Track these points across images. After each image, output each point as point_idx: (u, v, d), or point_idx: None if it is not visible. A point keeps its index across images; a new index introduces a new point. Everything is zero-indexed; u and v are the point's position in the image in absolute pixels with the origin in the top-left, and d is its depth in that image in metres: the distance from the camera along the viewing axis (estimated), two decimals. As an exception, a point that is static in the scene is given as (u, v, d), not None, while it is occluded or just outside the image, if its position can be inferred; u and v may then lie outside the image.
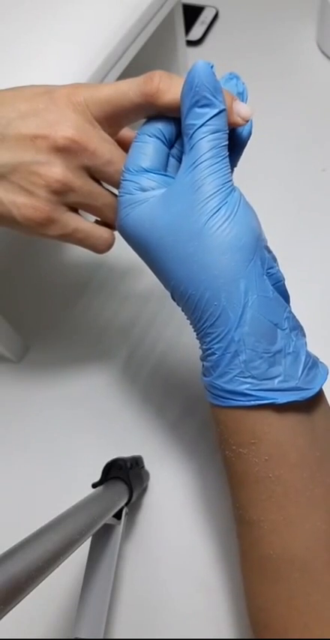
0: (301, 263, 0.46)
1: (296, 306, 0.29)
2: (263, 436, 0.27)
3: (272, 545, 0.27)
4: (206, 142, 0.25)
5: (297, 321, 0.28)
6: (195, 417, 0.41)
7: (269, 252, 0.27)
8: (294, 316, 0.27)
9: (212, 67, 0.25)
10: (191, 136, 0.25)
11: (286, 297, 0.28)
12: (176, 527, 0.37)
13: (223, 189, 0.25)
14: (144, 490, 0.39)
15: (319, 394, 0.28)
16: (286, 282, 0.27)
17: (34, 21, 0.41)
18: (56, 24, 0.41)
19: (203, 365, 0.28)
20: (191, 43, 0.65)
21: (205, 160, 0.25)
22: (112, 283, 0.49)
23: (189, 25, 0.66)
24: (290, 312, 0.27)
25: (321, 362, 0.28)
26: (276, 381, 0.26)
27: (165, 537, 0.37)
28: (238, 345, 0.26)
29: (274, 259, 0.28)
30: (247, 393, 0.26)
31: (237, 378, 0.26)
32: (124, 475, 0.33)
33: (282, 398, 0.26)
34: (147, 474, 0.39)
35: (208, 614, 0.35)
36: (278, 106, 0.57)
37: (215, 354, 0.26)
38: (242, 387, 0.26)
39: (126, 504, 0.33)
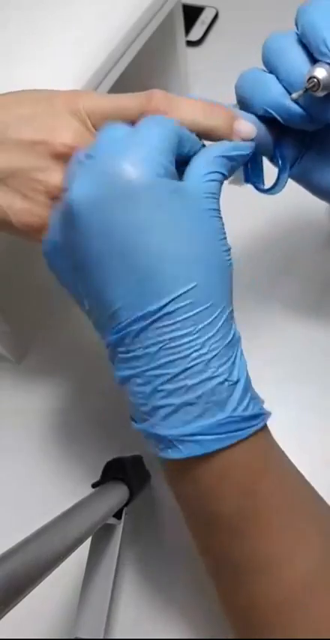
0: (301, 263, 0.46)
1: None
2: (269, 453, 0.26)
3: (291, 575, 0.25)
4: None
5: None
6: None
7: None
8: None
9: None
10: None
11: None
12: (176, 526, 0.37)
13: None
14: (144, 490, 0.39)
15: None
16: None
17: (33, 22, 0.41)
18: (56, 24, 0.41)
19: (206, 404, 0.24)
20: (191, 44, 0.65)
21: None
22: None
23: (189, 26, 0.66)
24: None
25: None
26: (258, 396, 0.27)
27: (165, 537, 0.37)
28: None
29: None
30: (260, 413, 0.25)
31: (250, 400, 0.25)
32: (124, 475, 0.33)
33: (268, 413, 0.26)
34: (148, 473, 0.39)
35: (208, 614, 0.35)
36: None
37: (239, 379, 0.25)
38: (256, 409, 0.25)
39: (126, 504, 0.33)
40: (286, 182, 0.32)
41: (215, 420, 0.24)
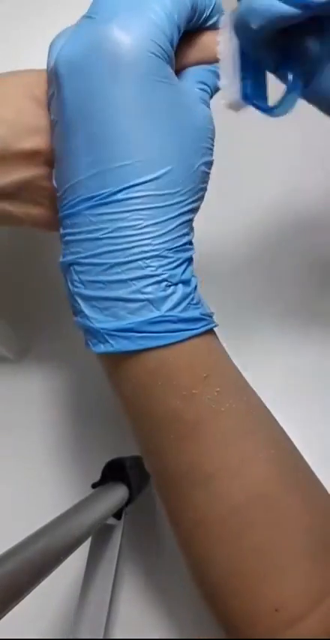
0: (300, 263, 0.46)
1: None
2: (213, 365, 0.25)
3: (232, 493, 0.24)
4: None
5: None
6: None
7: None
8: None
9: None
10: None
11: None
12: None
13: None
14: (144, 490, 0.39)
15: None
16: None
17: (33, 23, 0.41)
18: (56, 24, 0.41)
19: (138, 301, 0.24)
20: None
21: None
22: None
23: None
24: None
25: None
26: (206, 305, 0.25)
27: (165, 537, 0.37)
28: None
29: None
30: (201, 318, 0.24)
31: (190, 304, 0.24)
32: (124, 475, 0.33)
33: (212, 321, 0.25)
34: (147, 474, 0.39)
35: (208, 613, 0.35)
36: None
37: (170, 281, 0.24)
38: (196, 313, 0.24)
39: (126, 504, 0.33)
40: (295, 102, 0.27)
41: (148, 318, 0.23)
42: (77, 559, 0.29)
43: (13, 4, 0.42)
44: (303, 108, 0.28)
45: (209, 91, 0.27)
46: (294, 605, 0.24)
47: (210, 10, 0.26)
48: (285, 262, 0.45)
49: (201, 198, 0.26)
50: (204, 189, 0.26)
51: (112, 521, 0.32)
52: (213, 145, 0.26)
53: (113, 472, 0.34)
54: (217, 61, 0.26)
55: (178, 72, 0.27)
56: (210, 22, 0.27)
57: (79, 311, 0.25)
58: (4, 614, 0.20)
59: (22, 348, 0.46)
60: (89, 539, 0.31)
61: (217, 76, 0.26)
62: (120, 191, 0.23)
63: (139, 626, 0.35)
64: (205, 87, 0.26)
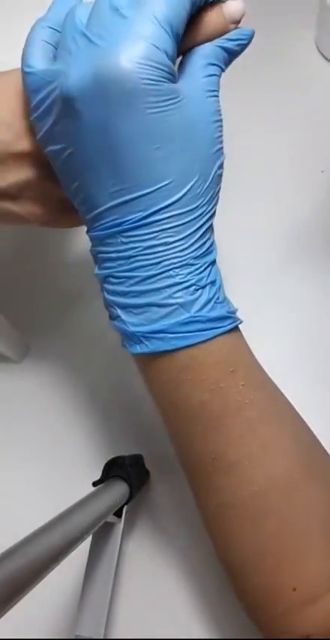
0: (299, 262, 0.46)
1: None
2: (238, 360, 0.27)
3: (254, 480, 0.26)
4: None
5: None
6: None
7: None
8: None
9: None
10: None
11: None
12: (176, 525, 0.37)
13: None
14: (144, 488, 0.39)
15: None
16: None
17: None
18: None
19: (169, 306, 0.25)
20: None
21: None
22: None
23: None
24: None
25: None
26: (231, 303, 0.27)
27: (165, 535, 0.37)
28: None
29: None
30: (227, 316, 0.26)
31: (216, 303, 0.26)
32: (125, 473, 0.33)
33: (237, 319, 0.27)
34: (147, 472, 0.39)
35: (208, 613, 0.35)
36: (277, 108, 0.57)
37: (198, 285, 0.25)
38: (223, 311, 0.26)
39: (126, 502, 0.33)
40: None
41: (179, 320, 0.25)
42: (77, 558, 0.29)
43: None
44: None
45: (219, 70, 0.26)
46: (311, 585, 0.25)
47: None
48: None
49: (218, 200, 0.27)
50: (219, 190, 0.27)
51: (112, 519, 0.32)
52: (222, 139, 0.26)
53: (114, 470, 0.34)
54: (223, 33, 0.26)
55: (185, 52, 0.26)
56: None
57: (116, 316, 0.27)
58: (5, 613, 0.20)
59: (22, 348, 0.46)
60: (90, 538, 0.31)
61: (225, 49, 0.26)
62: (148, 216, 0.24)
63: (139, 625, 0.35)
64: (213, 68, 0.26)
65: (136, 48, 0.22)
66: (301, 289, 0.45)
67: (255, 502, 0.26)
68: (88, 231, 0.27)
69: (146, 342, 0.26)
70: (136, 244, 0.25)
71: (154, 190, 0.24)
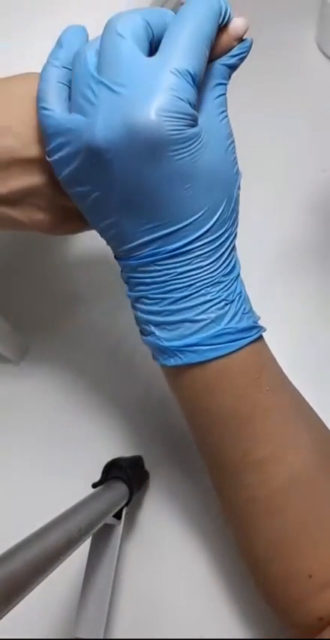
0: (299, 262, 0.46)
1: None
2: (263, 367, 0.28)
3: (278, 476, 0.28)
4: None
5: None
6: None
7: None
8: None
9: None
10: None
11: None
12: (176, 526, 0.38)
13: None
14: (144, 490, 0.39)
15: None
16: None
17: (32, 25, 0.41)
18: (55, 27, 0.41)
19: (202, 321, 0.27)
20: None
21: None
22: (114, 282, 0.49)
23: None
24: None
25: None
26: (255, 312, 0.29)
27: (165, 537, 0.37)
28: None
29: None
30: (254, 326, 0.28)
31: (244, 314, 0.28)
32: (124, 475, 0.34)
33: (262, 327, 0.29)
34: (147, 473, 0.39)
35: (209, 613, 0.35)
36: (278, 106, 0.57)
37: (228, 300, 0.27)
38: (250, 322, 0.28)
39: (126, 504, 0.33)
40: None
41: (211, 333, 0.27)
42: (77, 559, 0.29)
43: (13, 3, 0.42)
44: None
45: (225, 88, 0.27)
46: (326, 573, 0.27)
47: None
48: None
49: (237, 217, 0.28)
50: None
51: (112, 521, 0.32)
52: (237, 159, 0.27)
53: (113, 472, 0.34)
54: (228, 51, 0.26)
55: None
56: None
57: (150, 332, 0.28)
58: (5, 614, 0.20)
59: (21, 348, 0.46)
60: (89, 539, 0.31)
61: (228, 66, 0.27)
62: (183, 246, 0.26)
63: (139, 625, 0.35)
64: (220, 87, 0.26)
65: (161, 100, 0.23)
66: (300, 290, 0.45)
67: (279, 495, 0.28)
68: (117, 258, 0.28)
69: (180, 355, 0.27)
70: (171, 271, 0.26)
71: (188, 224, 0.25)
